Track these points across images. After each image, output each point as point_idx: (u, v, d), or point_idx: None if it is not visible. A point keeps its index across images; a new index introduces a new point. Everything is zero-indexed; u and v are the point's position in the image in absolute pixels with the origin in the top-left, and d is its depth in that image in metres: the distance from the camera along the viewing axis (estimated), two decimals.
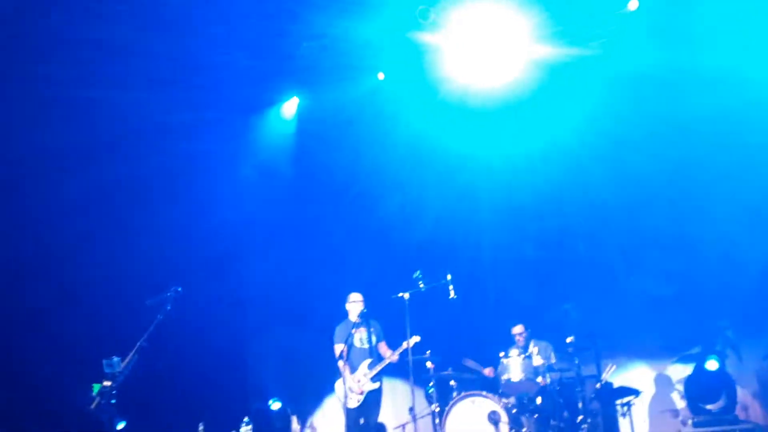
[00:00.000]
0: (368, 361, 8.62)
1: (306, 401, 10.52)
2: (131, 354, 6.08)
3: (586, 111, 9.28)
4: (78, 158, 8.88)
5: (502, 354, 8.66)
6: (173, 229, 9.51)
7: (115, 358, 6.04)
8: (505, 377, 8.43)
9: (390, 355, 8.53)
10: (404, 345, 8.36)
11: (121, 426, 8.28)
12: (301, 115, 10.84)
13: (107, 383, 5.88)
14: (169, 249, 9.39)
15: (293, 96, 10.72)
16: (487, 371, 8.88)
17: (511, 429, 7.71)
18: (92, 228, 9.07)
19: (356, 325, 8.75)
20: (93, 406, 5.87)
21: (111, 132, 9.07)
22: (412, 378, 8.13)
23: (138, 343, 6.16)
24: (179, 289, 6.62)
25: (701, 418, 8.12)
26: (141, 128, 9.28)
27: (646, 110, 9.26)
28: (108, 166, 9.06)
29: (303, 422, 10.34)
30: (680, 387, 8.97)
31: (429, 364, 8.53)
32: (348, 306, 8.93)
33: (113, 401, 5.91)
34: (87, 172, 8.95)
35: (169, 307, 6.50)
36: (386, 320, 8.80)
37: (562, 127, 9.43)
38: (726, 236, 8.88)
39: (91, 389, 6.18)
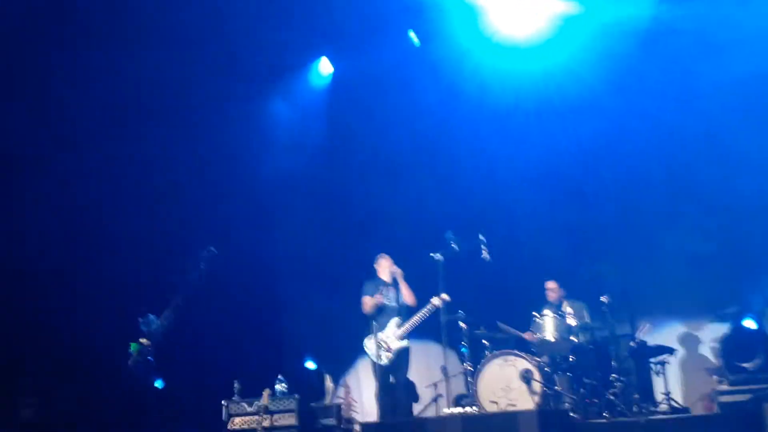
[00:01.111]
0: (397, 319, 8.67)
1: (339, 361, 10.63)
2: (166, 312, 6.19)
3: (621, 65, 9.11)
4: (113, 121, 8.98)
5: (535, 314, 8.64)
6: (209, 191, 9.60)
7: (151, 317, 6.16)
8: (538, 336, 8.42)
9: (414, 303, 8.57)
10: (432, 302, 8.40)
11: (159, 384, 8.46)
12: (335, 78, 10.82)
13: (144, 341, 6.01)
14: (204, 210, 9.48)
15: (324, 56, 10.71)
16: (527, 335, 8.87)
17: (544, 387, 7.70)
18: (130, 188, 9.19)
19: (386, 284, 8.81)
20: (131, 363, 6.01)
21: (149, 93, 9.14)
22: (445, 338, 8.17)
23: (173, 302, 6.27)
24: (214, 249, 6.71)
25: (737, 376, 8.01)
26: (173, 91, 9.33)
27: (684, 64, 9.08)
28: (144, 126, 9.14)
29: (336, 381, 10.46)
30: (716, 346, 8.87)
31: (462, 324, 8.53)
32: (377, 266, 8.97)
33: (150, 358, 6.05)
34: (125, 131, 9.05)
35: (203, 267, 6.59)
36: (419, 280, 8.81)
37: (598, 82, 9.28)
38: (765, 191, 8.70)
39: (128, 347, 6.32)
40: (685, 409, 8.17)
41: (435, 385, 9.39)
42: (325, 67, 10.91)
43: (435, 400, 9.45)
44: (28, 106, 8.62)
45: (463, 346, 8.56)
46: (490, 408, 7.72)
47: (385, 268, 8.91)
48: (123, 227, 8.95)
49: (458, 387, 9.03)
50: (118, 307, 7.82)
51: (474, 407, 7.85)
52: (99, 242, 8.94)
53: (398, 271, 8.79)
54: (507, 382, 7.86)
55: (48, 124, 8.82)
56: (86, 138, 8.95)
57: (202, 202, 9.53)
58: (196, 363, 8.68)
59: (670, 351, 8.49)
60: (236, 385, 7.97)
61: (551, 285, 9.19)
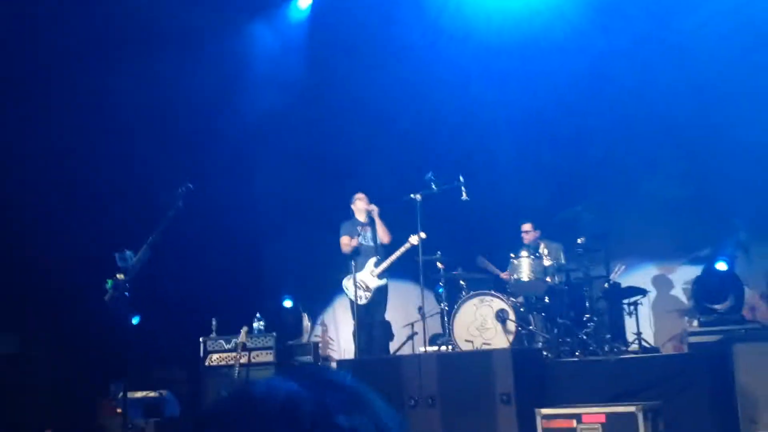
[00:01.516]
0: (374, 258, 8.73)
1: (317, 300, 10.71)
2: (143, 248, 6.14)
3: (608, 4, 9.03)
4: (84, 54, 8.77)
5: (512, 255, 8.71)
6: (186, 125, 9.48)
7: (128, 252, 6.11)
8: (514, 277, 8.51)
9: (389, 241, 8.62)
10: (410, 240, 8.44)
11: (135, 321, 8.47)
12: (315, 13, 10.62)
13: (120, 276, 5.98)
14: (182, 145, 9.38)
15: None
16: (504, 275, 8.95)
17: (518, 327, 7.82)
18: (105, 123, 9.04)
19: (363, 224, 8.83)
20: (107, 298, 5.99)
21: (122, 22, 8.92)
22: (422, 278, 8.24)
23: (150, 238, 6.21)
24: (191, 185, 6.62)
25: (707, 317, 8.19)
26: (147, 21, 9.10)
27: (672, 10, 9.01)
28: (117, 59, 8.94)
29: (314, 320, 10.56)
30: (688, 287, 9.03)
31: (439, 265, 8.59)
32: (353, 206, 8.97)
33: (127, 294, 6.03)
34: (98, 64, 8.85)
35: (181, 203, 6.51)
36: (398, 222, 8.83)
37: (583, 22, 9.20)
38: (744, 138, 8.74)
39: (104, 282, 6.29)
40: (654, 349, 8.36)
41: (411, 325, 9.50)
42: (302, 2, 10.70)
43: (411, 338, 9.57)
44: None
45: (440, 286, 8.65)
46: (465, 347, 7.83)
47: (361, 207, 8.91)
48: (99, 162, 8.84)
49: (435, 327, 9.14)
50: (95, 242, 7.76)
51: (449, 346, 7.97)
52: (75, 177, 8.83)
53: (374, 209, 8.79)
54: (482, 322, 7.96)
55: (24, 56, 8.60)
56: (59, 72, 8.76)
57: (179, 137, 9.41)
58: (174, 300, 8.69)
59: (643, 292, 8.62)
60: (214, 322, 8.02)
61: (526, 227, 9.25)
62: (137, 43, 9.11)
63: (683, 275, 9.29)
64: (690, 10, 8.96)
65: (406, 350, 9.50)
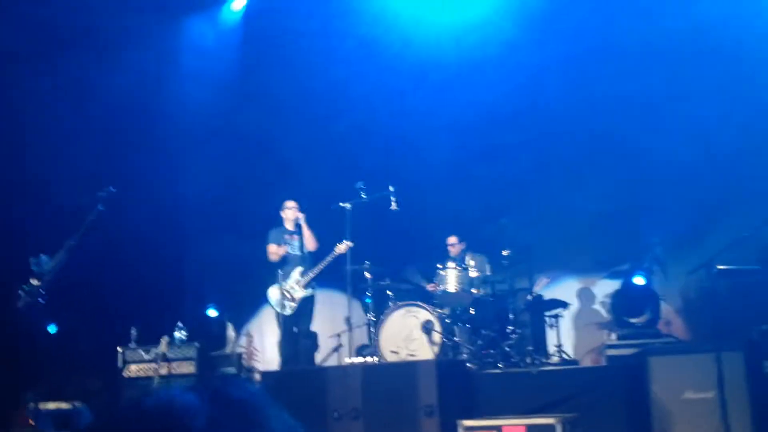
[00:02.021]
0: (301, 268, 8.66)
1: (243, 310, 10.55)
2: (60, 253, 5.94)
3: (540, 20, 9.23)
4: (7, 54, 8.46)
5: (440, 266, 8.77)
6: (110, 125, 9.22)
7: (43, 257, 5.90)
8: (441, 288, 8.57)
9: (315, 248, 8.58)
10: (337, 249, 8.42)
11: (51, 329, 8.18)
12: (250, 15, 10.52)
13: (35, 282, 5.76)
14: (104, 146, 9.11)
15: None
16: (431, 286, 9.00)
17: (443, 338, 7.86)
18: (22, 122, 8.72)
19: (291, 233, 8.76)
20: (20, 304, 5.76)
21: (45, 31, 8.63)
22: (349, 288, 8.21)
23: (67, 242, 6.01)
24: (113, 189, 6.43)
25: (625, 331, 8.41)
26: (76, 27, 8.84)
27: (601, 27, 9.27)
28: (38, 64, 8.65)
29: (239, 330, 10.39)
30: (607, 301, 9.27)
31: (367, 275, 8.59)
32: (283, 213, 8.89)
33: (41, 300, 5.81)
34: (14, 69, 8.55)
35: (101, 207, 6.32)
36: (327, 231, 8.78)
37: (512, 41, 9.37)
38: (662, 156, 9.05)
39: (17, 288, 6.05)
40: (574, 361, 8.54)
41: (338, 335, 9.46)
42: (238, 2, 10.57)
43: (337, 350, 9.54)
44: None
45: (368, 296, 8.64)
46: (391, 358, 7.83)
47: (290, 215, 8.83)
48: (15, 163, 8.50)
49: (361, 338, 9.12)
50: (9, 246, 7.46)
51: (375, 357, 7.96)
52: None
53: (301, 216, 8.74)
54: (408, 333, 7.97)
55: None
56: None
57: (103, 138, 9.14)
58: (92, 308, 8.42)
59: (564, 305, 8.80)
60: (133, 331, 7.78)
61: (452, 240, 9.35)
62: (60, 40, 8.83)
63: (603, 289, 9.53)
64: (616, 28, 9.22)
65: (332, 361, 9.46)
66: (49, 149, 8.73)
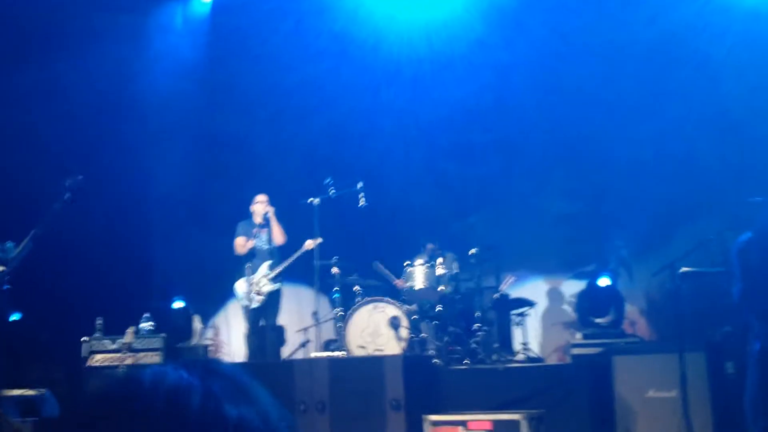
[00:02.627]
0: (269, 262, 8.64)
1: (209, 302, 10.49)
2: (25, 240, 5.85)
3: (503, 23, 9.31)
4: None
5: (407, 263, 8.79)
6: (78, 112, 9.09)
7: (9, 244, 5.81)
8: (408, 284, 8.60)
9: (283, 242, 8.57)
10: (305, 245, 8.42)
11: (15, 317, 8.06)
12: (219, 16, 10.44)
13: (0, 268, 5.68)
14: (73, 134, 8.99)
15: None
16: (398, 282, 9.01)
17: (410, 334, 7.90)
18: None
19: (259, 226, 8.73)
20: None
21: (14, 22, 8.49)
22: (317, 283, 8.21)
23: (32, 231, 5.93)
24: (80, 177, 6.35)
25: (590, 330, 8.53)
26: (44, 19, 8.72)
27: (568, 28, 9.37)
28: (7, 53, 8.52)
29: (205, 322, 10.33)
30: (573, 301, 9.40)
31: (335, 270, 8.59)
32: (253, 207, 8.85)
33: (6, 287, 5.73)
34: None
35: (68, 196, 6.23)
36: (295, 226, 8.77)
37: (481, 43, 9.44)
38: (628, 159, 9.20)
39: None
40: (539, 359, 8.63)
41: (305, 329, 9.45)
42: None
43: (304, 345, 9.52)
44: None
45: (335, 291, 8.64)
46: (359, 353, 7.83)
47: (260, 210, 8.80)
48: None
49: (328, 333, 9.13)
50: None
51: (342, 352, 7.96)
52: None
53: (270, 209, 8.71)
54: (375, 328, 7.99)
55: None
56: None
57: (71, 127, 9.01)
58: (58, 296, 8.31)
59: (531, 304, 8.89)
60: (98, 321, 7.70)
61: (431, 246, 9.30)
62: (28, 29, 8.70)
63: (569, 289, 9.66)
64: (585, 28, 9.34)
65: (299, 356, 9.44)
66: (16, 137, 8.59)
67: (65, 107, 8.99)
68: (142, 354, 7.45)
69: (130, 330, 7.41)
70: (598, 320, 8.63)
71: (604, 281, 8.88)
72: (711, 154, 8.76)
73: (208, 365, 1.10)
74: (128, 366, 7.13)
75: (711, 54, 8.72)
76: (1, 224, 6.67)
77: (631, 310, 9.04)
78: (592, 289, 8.93)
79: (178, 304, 10.04)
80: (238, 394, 1.06)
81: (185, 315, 9.93)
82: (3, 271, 5.69)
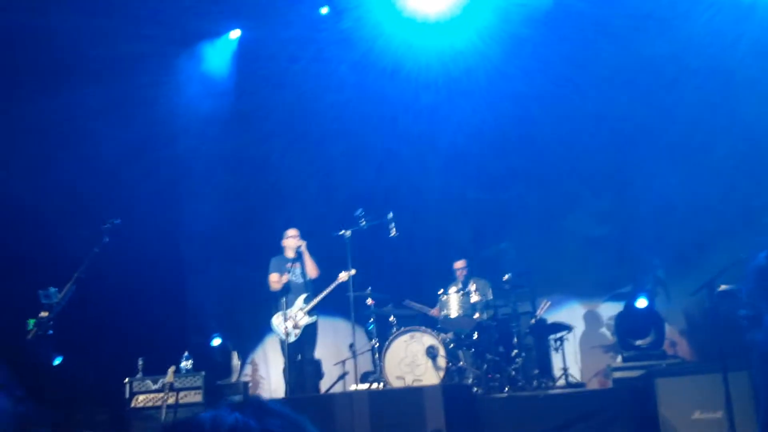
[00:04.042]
0: (304, 295, 8.70)
1: (247, 338, 10.55)
2: (68, 285, 5.96)
3: (525, 47, 9.35)
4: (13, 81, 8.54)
5: (441, 291, 8.79)
6: (114, 159, 9.27)
7: (52, 289, 5.92)
8: (443, 313, 8.59)
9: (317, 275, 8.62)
10: (339, 277, 8.47)
11: (58, 361, 8.16)
12: (245, 46, 10.62)
13: (44, 314, 5.78)
14: (109, 180, 9.16)
15: (235, 28, 10.51)
16: (434, 311, 9.01)
17: (448, 363, 7.88)
18: (30, 155, 8.77)
19: (292, 260, 8.79)
20: (30, 337, 5.77)
21: (56, 52, 8.72)
22: (353, 315, 8.23)
23: (75, 274, 6.04)
24: (117, 221, 6.48)
25: (630, 353, 8.43)
26: (82, 52, 8.93)
27: (588, 54, 9.39)
28: (46, 88, 8.73)
29: (244, 358, 10.38)
30: (611, 324, 9.30)
31: (369, 301, 8.62)
32: (285, 242, 8.93)
33: (50, 332, 5.82)
34: (27, 92, 8.62)
35: (107, 239, 6.36)
36: (328, 258, 8.82)
37: (504, 64, 9.49)
38: (659, 178, 9.13)
39: (26, 323, 6.05)
40: (580, 384, 8.54)
41: (343, 362, 9.45)
42: (233, 33, 10.69)
43: (342, 377, 9.52)
44: None
45: (371, 322, 8.66)
46: (397, 384, 7.83)
47: (292, 244, 8.86)
48: (22, 196, 8.55)
49: (366, 364, 9.13)
50: (19, 280, 7.47)
51: (381, 383, 7.96)
52: None
53: (302, 243, 8.78)
54: (413, 358, 7.99)
55: None
56: None
57: (106, 171, 9.19)
58: (99, 339, 8.41)
59: (568, 328, 8.82)
60: (140, 362, 7.79)
61: (459, 264, 9.38)
62: (62, 74, 8.91)
63: (606, 311, 9.57)
64: (606, 54, 9.34)
65: (337, 389, 9.44)
66: (54, 182, 8.77)
67: (97, 149, 9.17)
68: (183, 393, 7.51)
69: (171, 369, 7.47)
70: (638, 342, 8.53)
71: (641, 302, 8.78)
72: (746, 171, 8.67)
73: (258, 405, 1.14)
74: (170, 405, 7.19)
75: (733, 67, 8.67)
76: (41, 270, 6.80)
77: (670, 331, 8.92)
78: (630, 310, 8.83)
79: (216, 341, 10.11)
80: (292, 429, 1.10)
81: (224, 352, 10.00)
82: (47, 317, 5.80)
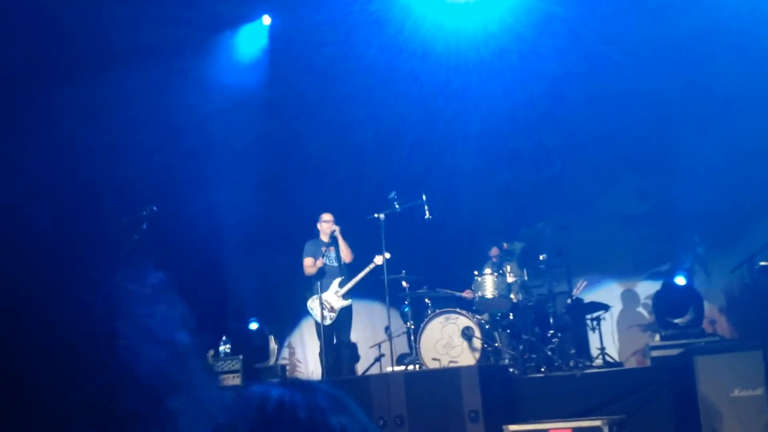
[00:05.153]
0: (339, 279, 8.75)
1: (283, 322, 10.65)
2: None
3: (563, 31, 9.22)
4: (50, 72, 8.67)
5: (476, 273, 8.77)
6: (150, 147, 9.39)
7: None
8: (479, 294, 8.57)
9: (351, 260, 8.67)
10: (375, 260, 8.49)
11: None
12: (275, 32, 10.66)
13: None
14: (145, 167, 9.28)
15: (265, 15, 10.54)
16: (466, 293, 9.00)
17: (484, 344, 7.86)
18: (66, 145, 8.91)
19: (327, 245, 8.84)
20: None
21: (79, 49, 8.83)
22: (388, 298, 8.26)
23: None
24: (155, 208, 6.57)
25: (669, 331, 8.33)
26: (115, 43, 9.04)
27: (624, 30, 9.24)
28: (79, 84, 8.85)
29: (281, 342, 10.49)
30: (649, 302, 9.19)
31: (404, 284, 8.64)
32: (319, 225, 8.97)
33: None
34: (63, 83, 8.75)
35: (145, 226, 6.46)
36: (361, 241, 8.85)
37: (536, 43, 9.38)
38: (697, 155, 8.98)
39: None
40: (618, 364, 8.46)
41: (378, 345, 9.50)
42: (264, 19, 10.72)
43: (378, 360, 9.58)
44: None
45: (406, 305, 8.68)
46: (433, 365, 7.84)
47: (326, 228, 8.91)
48: (61, 185, 8.70)
49: (401, 346, 9.16)
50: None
51: (417, 365, 7.98)
52: (37, 200, 8.66)
53: (336, 228, 8.82)
54: (449, 340, 7.99)
55: None
56: (16, 94, 8.63)
57: (142, 159, 9.31)
58: None
59: (605, 308, 8.74)
60: None
61: (494, 252, 9.28)
62: (97, 62, 9.03)
63: (644, 290, 9.46)
64: (641, 30, 9.18)
65: (373, 371, 9.49)
66: (89, 172, 8.91)
67: (133, 136, 9.29)
68: (222, 376, 7.63)
69: (210, 353, 7.59)
70: (676, 321, 8.42)
71: (680, 280, 8.67)
72: None
73: (301, 382, 1.16)
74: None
75: (762, 37, 8.45)
76: None
77: (710, 309, 8.79)
78: (668, 289, 8.72)
79: (253, 326, 10.23)
80: (338, 405, 1.11)
81: (261, 335, 10.11)
82: None
